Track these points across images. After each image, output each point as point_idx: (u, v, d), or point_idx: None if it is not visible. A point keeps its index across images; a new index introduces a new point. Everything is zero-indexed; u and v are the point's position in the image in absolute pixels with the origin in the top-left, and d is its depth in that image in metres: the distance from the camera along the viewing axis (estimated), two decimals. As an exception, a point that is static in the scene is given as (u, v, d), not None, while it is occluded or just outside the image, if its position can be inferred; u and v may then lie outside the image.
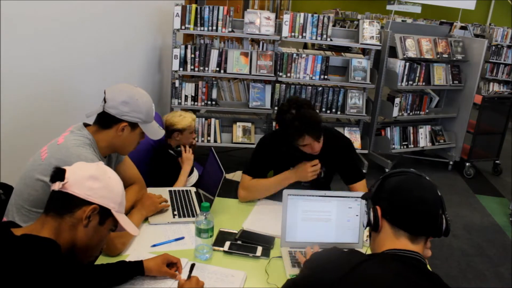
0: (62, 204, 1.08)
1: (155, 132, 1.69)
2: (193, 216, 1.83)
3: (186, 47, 3.72)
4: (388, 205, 1.14)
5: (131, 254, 1.52)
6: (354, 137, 4.21)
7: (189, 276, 1.34)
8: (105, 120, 1.58)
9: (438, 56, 4.28)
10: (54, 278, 0.98)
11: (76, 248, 1.10)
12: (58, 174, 1.09)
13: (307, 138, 1.87)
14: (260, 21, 3.77)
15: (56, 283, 0.98)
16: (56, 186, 1.08)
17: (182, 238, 1.67)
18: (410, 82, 4.23)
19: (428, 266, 1.11)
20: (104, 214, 1.13)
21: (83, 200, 1.09)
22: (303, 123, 1.84)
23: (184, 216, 1.83)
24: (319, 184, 2.13)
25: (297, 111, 1.87)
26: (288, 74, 3.91)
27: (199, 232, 1.51)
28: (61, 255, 1.05)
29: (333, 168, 2.18)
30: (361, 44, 4.02)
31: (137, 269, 1.38)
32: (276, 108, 3.97)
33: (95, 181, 1.12)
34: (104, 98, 1.58)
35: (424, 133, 4.58)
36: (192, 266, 1.40)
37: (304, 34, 3.86)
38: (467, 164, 4.61)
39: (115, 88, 1.61)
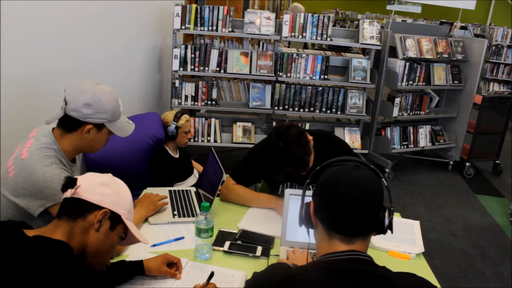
0: (75, 208, 1.11)
1: (124, 129, 1.59)
2: (193, 216, 1.83)
3: (186, 47, 3.72)
4: (317, 201, 1.06)
5: (131, 254, 1.52)
6: (354, 137, 4.21)
7: (207, 283, 1.32)
8: (68, 124, 1.49)
9: (438, 56, 4.28)
10: (66, 279, 0.98)
11: (87, 253, 1.11)
12: (70, 184, 1.11)
13: (288, 171, 1.77)
14: (260, 21, 3.77)
15: (68, 284, 0.98)
16: (68, 193, 1.10)
17: (182, 238, 1.67)
18: (410, 82, 4.23)
19: (373, 261, 1.01)
20: (115, 219, 1.15)
21: (95, 205, 1.11)
22: (287, 163, 1.71)
23: (184, 216, 1.83)
24: None
25: (285, 147, 1.70)
26: (288, 74, 3.91)
27: (199, 232, 1.51)
28: (74, 257, 1.05)
29: None
30: (361, 44, 4.02)
31: (137, 268, 1.38)
32: (276, 108, 3.97)
33: (106, 187, 1.15)
34: (64, 99, 1.48)
35: (424, 133, 4.58)
36: (212, 274, 1.36)
37: (304, 34, 3.86)
38: (467, 164, 4.62)
39: (75, 88, 1.49)
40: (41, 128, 1.56)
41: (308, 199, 1.14)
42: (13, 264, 0.96)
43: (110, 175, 1.22)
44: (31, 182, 1.41)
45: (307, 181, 1.16)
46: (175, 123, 2.60)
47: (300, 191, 1.65)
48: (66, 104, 1.47)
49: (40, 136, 1.51)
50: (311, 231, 1.14)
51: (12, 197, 1.42)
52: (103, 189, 1.13)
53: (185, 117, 2.65)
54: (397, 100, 4.20)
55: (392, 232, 1.05)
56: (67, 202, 1.12)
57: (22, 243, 1.01)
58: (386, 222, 1.02)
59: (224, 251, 1.59)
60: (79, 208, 1.10)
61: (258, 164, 2.02)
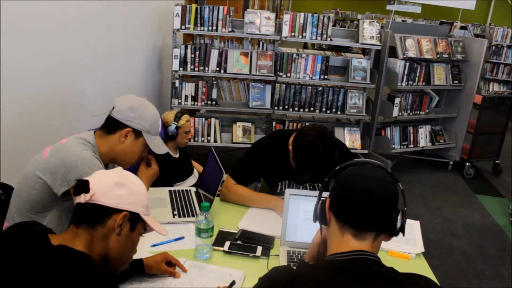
0: (93, 215, 1.07)
1: (159, 146, 1.67)
2: (193, 216, 1.83)
3: (186, 47, 3.72)
4: (335, 196, 1.08)
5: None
6: (354, 137, 4.21)
7: None
8: (110, 125, 1.58)
9: (438, 56, 4.28)
10: None
11: (111, 258, 1.10)
12: (82, 186, 1.07)
13: (310, 175, 1.86)
14: (260, 21, 3.77)
15: None
16: (82, 198, 1.06)
17: (182, 238, 1.67)
18: (410, 82, 4.23)
19: (380, 262, 1.02)
20: (134, 219, 1.13)
21: (113, 209, 1.08)
22: (322, 163, 1.73)
23: (184, 216, 1.83)
24: None
25: (324, 149, 1.73)
26: (288, 74, 3.91)
27: (199, 232, 1.51)
28: (95, 270, 1.04)
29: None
30: (361, 44, 4.02)
31: (137, 267, 1.38)
32: (276, 108, 3.97)
33: (121, 188, 1.10)
34: (113, 106, 1.60)
35: (424, 133, 4.58)
36: (233, 283, 1.36)
37: (304, 34, 3.86)
38: (467, 164, 4.61)
39: (126, 96, 1.62)
40: (86, 132, 1.62)
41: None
42: (39, 274, 0.95)
43: (120, 169, 1.19)
44: (63, 161, 1.44)
45: (326, 179, 1.18)
46: (176, 123, 2.60)
47: (300, 191, 1.66)
48: (113, 108, 1.58)
49: (82, 133, 1.58)
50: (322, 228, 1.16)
51: (40, 173, 1.44)
52: (118, 190, 1.09)
53: (186, 117, 2.65)
54: (397, 100, 4.20)
55: (403, 235, 1.06)
56: (82, 208, 1.07)
57: (46, 252, 1.00)
58: (399, 224, 1.04)
59: (224, 251, 1.59)
60: (96, 215, 1.07)
61: (258, 163, 2.03)
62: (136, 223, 1.13)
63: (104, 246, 1.08)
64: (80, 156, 1.45)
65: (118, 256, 1.11)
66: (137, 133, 1.59)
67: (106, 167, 1.68)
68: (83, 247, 1.05)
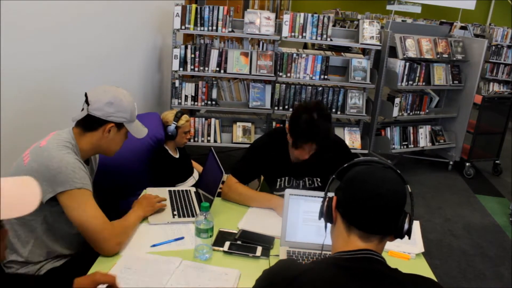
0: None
1: (140, 131, 1.71)
2: (193, 216, 1.82)
3: (186, 47, 3.72)
4: (342, 196, 1.06)
5: (129, 254, 1.52)
6: (354, 137, 4.21)
7: None
8: (90, 123, 1.59)
9: (438, 56, 4.28)
10: None
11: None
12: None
13: (310, 145, 1.87)
14: (260, 21, 3.77)
15: None
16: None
17: (182, 238, 1.66)
18: (410, 82, 4.23)
19: (385, 262, 1.02)
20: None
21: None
22: (318, 131, 1.83)
23: (184, 216, 1.82)
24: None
25: (319, 118, 1.84)
26: (288, 74, 3.91)
27: (199, 232, 1.51)
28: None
29: (330, 173, 2.17)
30: (361, 44, 4.02)
31: None
32: (276, 108, 3.97)
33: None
34: (86, 101, 1.58)
35: (424, 133, 4.58)
36: None
37: (304, 34, 3.86)
38: (467, 164, 4.61)
39: (97, 90, 1.61)
40: (59, 130, 1.62)
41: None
42: None
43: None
44: (46, 166, 1.43)
45: (332, 176, 1.18)
46: (175, 122, 2.60)
47: (300, 191, 1.66)
48: (88, 105, 1.57)
49: (61, 132, 1.58)
50: (328, 228, 1.15)
51: None
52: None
53: (185, 117, 2.65)
54: (397, 100, 4.20)
55: (409, 238, 1.05)
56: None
57: None
58: (406, 227, 1.03)
59: (224, 251, 1.58)
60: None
61: (258, 160, 2.07)
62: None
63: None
64: (63, 161, 1.45)
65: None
66: (119, 126, 1.63)
67: (88, 161, 1.68)
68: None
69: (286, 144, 2.03)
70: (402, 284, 0.98)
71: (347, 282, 0.96)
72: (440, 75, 4.37)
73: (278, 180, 2.14)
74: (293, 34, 3.85)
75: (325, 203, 1.11)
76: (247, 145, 4.00)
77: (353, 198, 1.03)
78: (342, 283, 0.96)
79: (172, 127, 2.60)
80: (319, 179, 2.14)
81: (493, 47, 8.16)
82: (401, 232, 1.03)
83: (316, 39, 3.88)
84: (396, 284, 0.98)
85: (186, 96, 3.85)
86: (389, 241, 1.07)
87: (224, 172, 1.83)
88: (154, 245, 1.60)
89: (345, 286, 0.95)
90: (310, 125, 1.83)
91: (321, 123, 1.84)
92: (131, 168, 2.59)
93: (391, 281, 0.98)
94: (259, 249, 1.60)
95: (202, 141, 3.99)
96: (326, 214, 1.11)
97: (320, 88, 4.01)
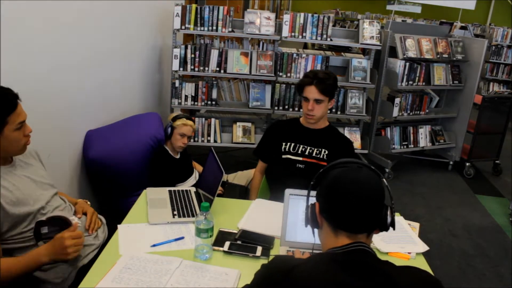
0: None
1: None
2: (193, 216, 1.83)
3: (186, 47, 3.72)
4: (325, 202, 1.10)
5: (127, 254, 1.51)
6: (354, 137, 4.21)
7: None
8: None
9: (438, 56, 4.28)
10: None
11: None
12: None
13: (311, 88, 2.09)
14: (260, 21, 3.77)
15: None
16: None
17: (182, 238, 1.67)
18: (410, 82, 4.23)
19: (375, 255, 1.07)
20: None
21: None
22: (317, 72, 2.13)
23: (184, 216, 1.82)
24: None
25: (321, 69, 2.14)
26: (288, 74, 3.91)
27: (199, 232, 1.51)
28: None
29: (333, 151, 2.26)
30: (361, 44, 4.02)
31: None
32: (276, 108, 3.97)
33: None
34: None
35: (424, 133, 4.58)
36: None
37: (304, 34, 3.86)
38: (467, 164, 4.62)
39: None
40: None
41: (312, 199, 1.20)
42: None
43: None
44: None
45: (311, 182, 1.20)
46: (172, 122, 2.62)
47: (300, 191, 1.66)
48: None
49: None
50: (316, 231, 1.20)
51: None
52: None
53: (183, 120, 2.62)
54: (397, 100, 4.20)
55: (394, 229, 1.11)
56: None
57: None
58: (389, 219, 1.09)
59: (224, 251, 1.59)
60: None
61: (274, 136, 2.31)
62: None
63: None
64: None
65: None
66: None
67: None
68: None
69: (298, 120, 2.30)
70: (390, 277, 1.01)
71: (341, 273, 0.99)
72: (440, 75, 4.37)
73: (283, 143, 2.26)
74: (293, 34, 3.85)
75: (309, 210, 1.16)
76: (247, 145, 4.04)
77: (334, 203, 1.07)
78: (337, 273, 0.99)
79: (168, 125, 2.63)
80: (327, 151, 2.17)
81: (493, 47, 8.16)
82: (385, 225, 1.09)
83: (316, 39, 3.88)
84: (386, 276, 1.01)
85: (186, 96, 3.85)
86: (375, 233, 1.12)
87: (224, 172, 1.83)
88: (154, 245, 1.60)
89: (339, 276, 0.99)
90: (311, 71, 2.17)
91: (322, 70, 2.15)
92: (131, 169, 2.60)
93: (383, 272, 1.01)
94: (259, 249, 1.60)
95: (202, 141, 3.99)
96: (312, 221, 1.16)
97: (320, 88, 4.01)
